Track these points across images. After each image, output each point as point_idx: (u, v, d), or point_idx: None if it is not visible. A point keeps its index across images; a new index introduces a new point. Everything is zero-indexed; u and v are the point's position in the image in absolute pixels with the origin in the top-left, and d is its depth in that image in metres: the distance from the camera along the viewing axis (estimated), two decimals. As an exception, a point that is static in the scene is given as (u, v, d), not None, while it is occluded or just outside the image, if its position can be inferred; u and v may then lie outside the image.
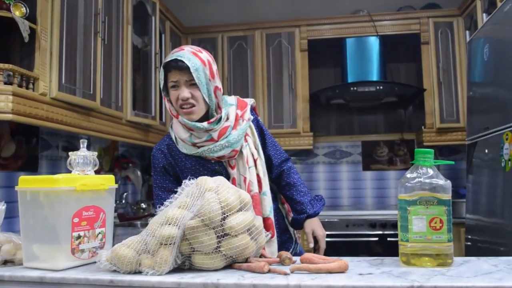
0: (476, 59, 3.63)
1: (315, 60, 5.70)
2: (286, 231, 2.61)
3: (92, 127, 3.49)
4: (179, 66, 2.23)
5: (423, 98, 5.20)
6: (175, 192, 2.01)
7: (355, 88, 5.10)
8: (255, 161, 2.42)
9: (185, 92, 2.26)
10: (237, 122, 2.40)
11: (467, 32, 4.98)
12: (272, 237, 2.38)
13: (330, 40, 5.48)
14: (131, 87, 4.06)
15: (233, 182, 2.36)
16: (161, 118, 4.76)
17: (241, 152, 2.39)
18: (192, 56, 2.25)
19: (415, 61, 5.56)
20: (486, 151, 3.37)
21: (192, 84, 2.26)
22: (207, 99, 2.28)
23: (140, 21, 4.46)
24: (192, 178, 1.86)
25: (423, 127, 5.18)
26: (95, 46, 3.49)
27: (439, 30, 5.17)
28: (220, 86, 2.35)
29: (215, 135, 2.32)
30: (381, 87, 5.08)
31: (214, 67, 2.33)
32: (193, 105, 2.28)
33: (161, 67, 2.30)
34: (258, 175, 2.41)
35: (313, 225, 2.50)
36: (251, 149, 2.43)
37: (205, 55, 2.31)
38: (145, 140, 4.40)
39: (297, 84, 5.37)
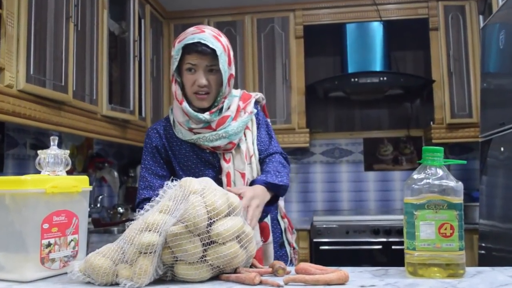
0: (491, 47, 3.64)
1: (311, 48, 5.70)
2: (282, 246, 2.62)
3: (64, 123, 3.48)
4: (202, 51, 2.30)
5: (431, 90, 5.21)
6: (162, 178, 2.18)
7: (356, 79, 5.10)
8: (250, 158, 2.45)
9: (203, 79, 2.34)
10: (238, 114, 2.46)
11: (481, 17, 5.00)
12: (265, 241, 2.40)
13: (328, 26, 5.49)
14: (107, 78, 4.04)
15: (227, 177, 2.39)
16: (140, 113, 4.75)
17: (238, 146, 2.44)
18: (215, 40, 2.32)
19: (423, 49, 5.57)
20: (502, 149, 3.38)
21: (210, 69, 2.35)
22: (223, 87, 2.37)
23: (117, 4, 4.45)
24: (184, 167, 1.88)
25: (431, 123, 5.20)
26: (67, 32, 3.48)
27: (449, 14, 5.19)
28: (234, 74, 2.43)
29: (213, 123, 2.38)
30: (385, 78, 5.09)
31: (231, 53, 2.42)
32: (208, 92, 2.37)
33: (179, 47, 2.34)
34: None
35: (251, 188, 2.25)
36: (248, 144, 2.47)
37: (225, 39, 2.40)
38: (123, 137, 4.40)
39: (292, 75, 5.37)
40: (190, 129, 2.39)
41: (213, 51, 2.30)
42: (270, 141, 2.59)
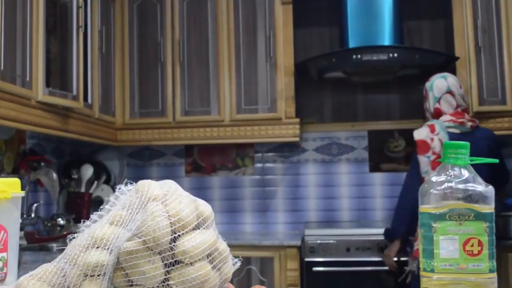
0: (528, 16, 3.67)
1: (303, 16, 5.71)
2: None
3: (-12, 111, 3.47)
4: None
5: (454, 70, 5.22)
6: None
7: (359, 56, 5.11)
8: None
9: None
10: None
11: (516, -22, 5.03)
12: None
13: (324, -11, 5.51)
14: (43, 55, 4.02)
15: None
16: (85, 99, 4.71)
17: None
18: None
19: (443, 18, 5.60)
20: (542, 144, 3.41)
21: None
22: None
23: (56, -40, 4.44)
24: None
25: (454, 111, 5.22)
26: (-8, -5, 3.47)
27: (476, -25, 5.22)
28: None
29: None
30: (395, 55, 5.11)
31: None
32: None
33: None
34: None
35: None
36: None
37: None
38: (64, 129, 4.38)
39: (278, 51, 5.37)
40: None
41: None
42: None
